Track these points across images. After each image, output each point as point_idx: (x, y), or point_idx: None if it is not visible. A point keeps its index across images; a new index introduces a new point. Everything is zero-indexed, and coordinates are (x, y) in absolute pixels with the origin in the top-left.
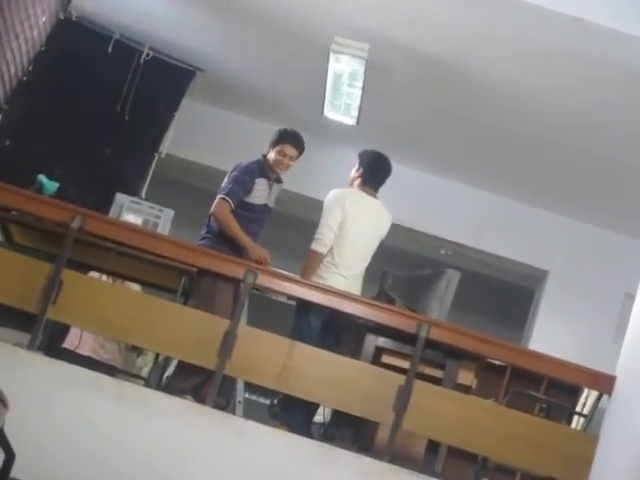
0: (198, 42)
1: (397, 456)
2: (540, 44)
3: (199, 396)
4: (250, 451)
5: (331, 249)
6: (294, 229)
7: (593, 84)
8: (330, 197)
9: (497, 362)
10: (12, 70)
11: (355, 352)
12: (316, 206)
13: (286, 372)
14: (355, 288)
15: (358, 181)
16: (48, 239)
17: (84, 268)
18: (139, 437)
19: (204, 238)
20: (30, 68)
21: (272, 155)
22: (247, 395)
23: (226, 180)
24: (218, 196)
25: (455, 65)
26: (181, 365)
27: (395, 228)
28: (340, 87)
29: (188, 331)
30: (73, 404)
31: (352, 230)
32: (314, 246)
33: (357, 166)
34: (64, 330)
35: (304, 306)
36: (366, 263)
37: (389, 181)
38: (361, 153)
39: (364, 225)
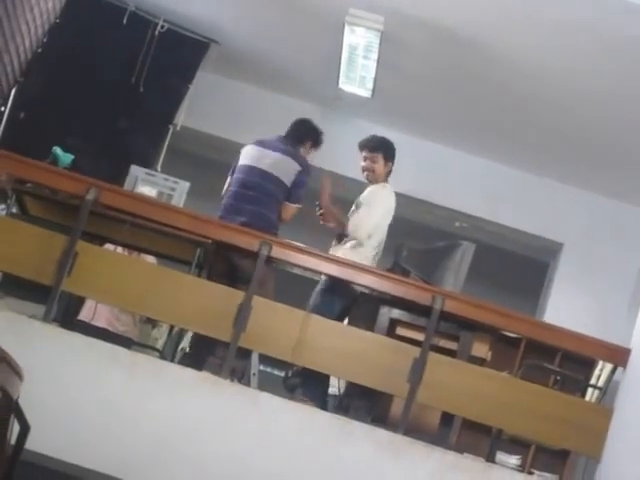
0: (213, 14)
1: (411, 428)
2: (555, 17)
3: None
4: (265, 423)
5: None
6: (306, 201)
7: (609, 57)
8: (392, 200)
9: (512, 334)
10: (27, 42)
11: (369, 324)
12: (331, 178)
13: (301, 344)
14: None
15: (387, 175)
16: (63, 211)
17: (99, 240)
18: (153, 409)
19: (272, 226)
20: (45, 40)
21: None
22: (262, 367)
23: (299, 187)
24: (296, 206)
25: (470, 37)
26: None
27: (410, 201)
28: (355, 59)
29: (203, 303)
30: (88, 376)
31: (386, 225)
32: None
33: (382, 160)
34: (79, 302)
35: (332, 289)
36: None
37: (405, 153)
38: (379, 144)
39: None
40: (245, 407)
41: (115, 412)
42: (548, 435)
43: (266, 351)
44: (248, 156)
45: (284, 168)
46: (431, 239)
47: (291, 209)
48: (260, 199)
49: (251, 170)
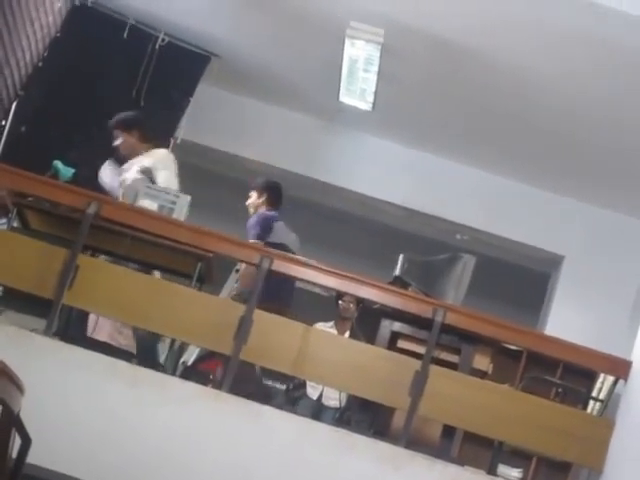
0: (213, 27)
1: (413, 441)
2: (555, 28)
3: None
4: (266, 436)
5: None
6: (309, 214)
7: (608, 68)
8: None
9: (513, 347)
10: (27, 56)
11: (371, 337)
12: (332, 191)
13: (302, 357)
14: None
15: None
16: (64, 225)
17: (100, 254)
18: (155, 422)
19: None
20: (45, 54)
21: None
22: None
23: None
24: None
25: (471, 50)
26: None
27: (411, 213)
28: (355, 72)
29: (204, 316)
30: (89, 389)
31: None
32: None
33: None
34: (83, 317)
35: None
36: None
37: (405, 166)
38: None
39: None
40: (246, 420)
41: (116, 425)
42: (550, 447)
43: (267, 364)
44: None
45: None
46: (431, 252)
47: None
48: None
49: None
